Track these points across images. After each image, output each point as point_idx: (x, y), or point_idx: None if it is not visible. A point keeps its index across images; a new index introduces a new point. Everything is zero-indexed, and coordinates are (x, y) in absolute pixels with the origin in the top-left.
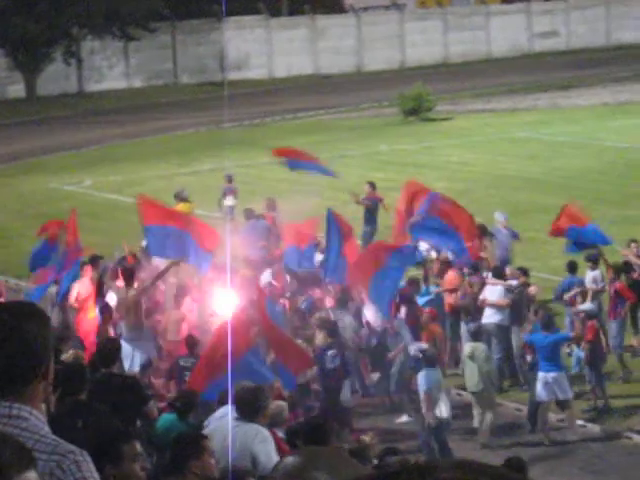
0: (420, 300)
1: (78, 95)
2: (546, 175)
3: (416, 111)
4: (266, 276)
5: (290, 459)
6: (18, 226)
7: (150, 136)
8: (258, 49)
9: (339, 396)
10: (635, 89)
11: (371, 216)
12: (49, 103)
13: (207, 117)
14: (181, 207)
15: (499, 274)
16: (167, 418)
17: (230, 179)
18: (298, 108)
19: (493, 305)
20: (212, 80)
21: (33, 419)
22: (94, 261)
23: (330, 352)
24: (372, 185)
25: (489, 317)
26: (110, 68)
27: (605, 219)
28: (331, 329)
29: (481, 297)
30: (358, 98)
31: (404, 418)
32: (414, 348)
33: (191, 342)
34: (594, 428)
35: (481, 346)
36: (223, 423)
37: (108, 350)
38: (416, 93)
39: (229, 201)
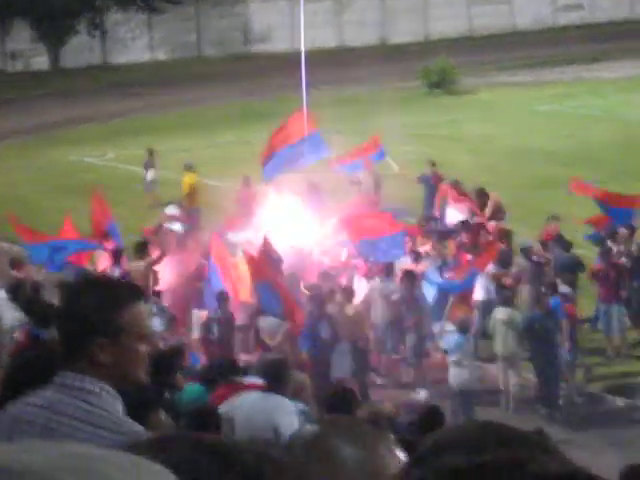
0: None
1: (102, 67)
2: (570, 148)
3: (440, 84)
4: None
5: (309, 428)
6: (39, 198)
7: (173, 109)
8: (281, 22)
9: (329, 368)
10: None
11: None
12: (73, 75)
13: (231, 90)
14: (188, 177)
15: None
16: (193, 389)
17: (151, 152)
18: (321, 81)
19: None
20: (236, 52)
21: (104, 394)
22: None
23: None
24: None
25: None
26: (134, 40)
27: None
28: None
29: None
30: (382, 71)
31: (422, 394)
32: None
33: None
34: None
35: (514, 311)
36: (247, 396)
37: None
38: (440, 66)
39: (149, 175)
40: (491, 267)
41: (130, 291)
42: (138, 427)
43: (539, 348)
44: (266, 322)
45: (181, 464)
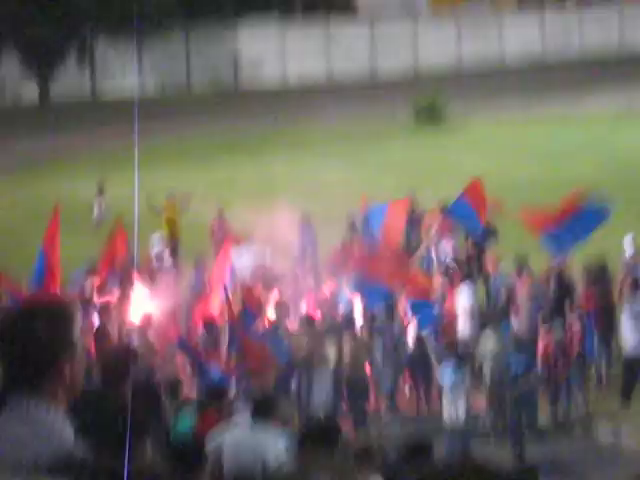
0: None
1: (91, 99)
2: (560, 180)
3: (429, 117)
4: None
5: (291, 462)
6: (27, 231)
7: (162, 139)
8: (271, 54)
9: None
10: None
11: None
12: (62, 107)
13: (220, 119)
14: (168, 209)
15: None
16: (185, 421)
17: (101, 190)
18: (310, 112)
19: None
20: (225, 82)
21: (51, 416)
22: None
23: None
24: None
25: None
26: (123, 72)
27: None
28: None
29: None
30: (371, 104)
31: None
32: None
33: None
34: None
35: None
36: (238, 431)
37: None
38: (429, 99)
39: (96, 211)
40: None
41: (70, 306)
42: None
43: None
44: None
45: None
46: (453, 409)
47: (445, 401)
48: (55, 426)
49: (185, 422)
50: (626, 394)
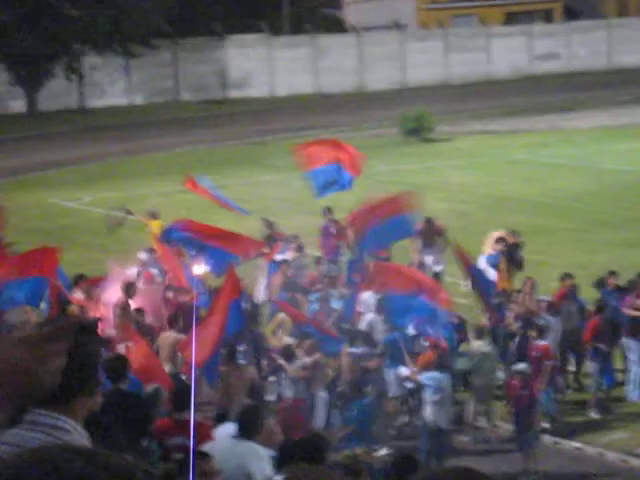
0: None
1: (79, 111)
2: (545, 197)
3: (416, 131)
4: None
5: (278, 478)
6: (16, 242)
7: (150, 153)
8: (259, 68)
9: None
10: (635, 112)
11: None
12: (50, 119)
13: (207, 135)
14: (153, 225)
15: None
16: None
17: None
18: (299, 127)
19: None
20: (213, 98)
21: (76, 434)
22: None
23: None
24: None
25: None
26: (111, 84)
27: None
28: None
29: None
30: (359, 118)
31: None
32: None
33: None
34: None
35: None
36: (220, 442)
37: (117, 366)
38: (417, 114)
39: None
40: None
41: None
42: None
43: None
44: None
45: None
46: (437, 411)
47: (429, 405)
48: (75, 436)
49: None
50: None
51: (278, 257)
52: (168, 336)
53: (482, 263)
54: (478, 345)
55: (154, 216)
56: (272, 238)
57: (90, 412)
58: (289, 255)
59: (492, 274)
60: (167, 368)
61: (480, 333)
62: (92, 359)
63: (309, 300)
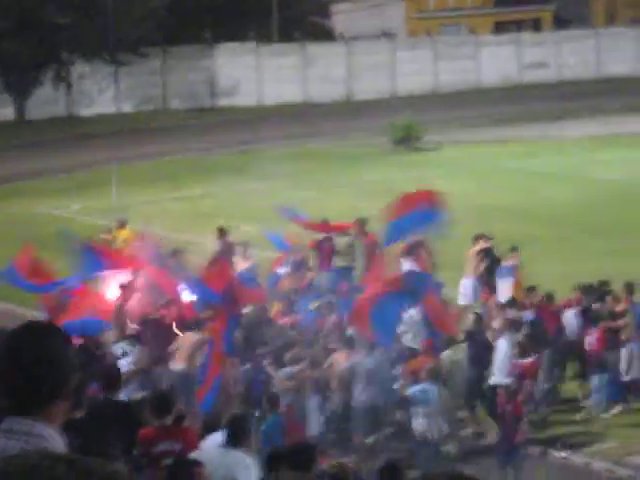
0: None
1: (67, 119)
2: (534, 206)
3: (405, 140)
4: None
5: None
6: (4, 250)
7: (139, 161)
8: (248, 76)
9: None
10: (624, 122)
11: None
12: (38, 127)
13: (196, 143)
14: (123, 234)
15: None
16: None
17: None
18: (287, 135)
19: None
20: (202, 106)
21: (51, 440)
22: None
23: None
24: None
25: None
26: (100, 93)
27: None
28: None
29: None
30: (347, 127)
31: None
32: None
33: None
34: None
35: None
36: (208, 452)
37: (113, 377)
38: (405, 122)
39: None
40: None
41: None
42: None
43: None
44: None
45: None
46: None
47: (417, 416)
48: (51, 442)
49: None
50: None
51: (280, 270)
52: (189, 336)
53: (468, 286)
54: (447, 355)
55: (122, 225)
56: (227, 245)
57: (68, 417)
58: (241, 265)
59: (509, 284)
60: (181, 367)
61: (450, 342)
62: (61, 363)
63: (305, 307)
